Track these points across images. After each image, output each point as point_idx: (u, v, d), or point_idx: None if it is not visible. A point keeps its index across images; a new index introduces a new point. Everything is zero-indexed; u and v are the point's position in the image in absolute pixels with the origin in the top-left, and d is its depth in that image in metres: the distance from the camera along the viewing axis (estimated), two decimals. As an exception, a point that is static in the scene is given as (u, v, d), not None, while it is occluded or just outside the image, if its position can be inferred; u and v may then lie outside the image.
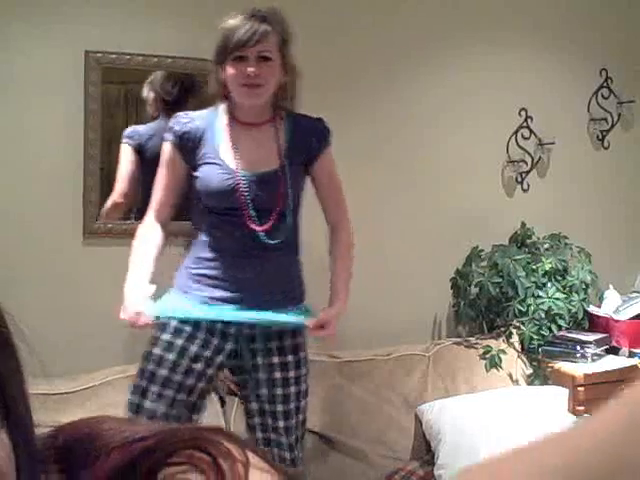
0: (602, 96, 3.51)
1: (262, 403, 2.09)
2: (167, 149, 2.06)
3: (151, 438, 0.47)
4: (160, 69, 2.71)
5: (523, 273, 3.09)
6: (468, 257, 3.18)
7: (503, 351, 3.00)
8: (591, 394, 2.97)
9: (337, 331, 2.97)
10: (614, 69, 3.51)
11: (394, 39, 3.12)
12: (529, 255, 3.19)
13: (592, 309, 3.32)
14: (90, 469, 0.46)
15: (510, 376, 2.99)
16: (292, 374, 2.08)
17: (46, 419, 2.32)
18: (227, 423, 2.55)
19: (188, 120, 2.04)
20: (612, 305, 3.34)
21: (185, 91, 2.72)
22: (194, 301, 2.03)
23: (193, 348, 2.01)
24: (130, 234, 2.71)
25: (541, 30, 3.39)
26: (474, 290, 3.13)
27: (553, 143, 3.41)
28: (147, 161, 2.71)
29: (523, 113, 3.34)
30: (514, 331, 3.09)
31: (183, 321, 2.02)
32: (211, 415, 2.50)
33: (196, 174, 2.02)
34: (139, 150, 2.70)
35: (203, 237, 2.07)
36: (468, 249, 3.19)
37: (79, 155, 2.65)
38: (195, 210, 2.11)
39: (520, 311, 3.08)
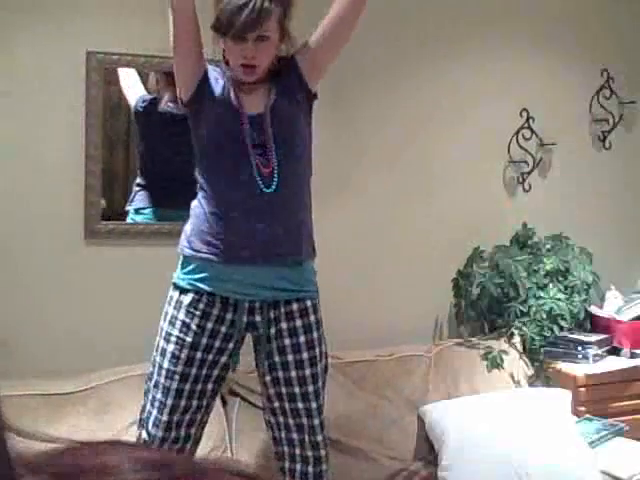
0: (604, 96, 3.51)
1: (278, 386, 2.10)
2: None
3: None
4: (163, 70, 2.70)
5: (524, 274, 3.09)
6: (469, 258, 3.18)
7: (504, 352, 3.00)
8: (593, 395, 2.97)
9: (338, 332, 2.97)
10: (616, 69, 3.51)
11: (396, 41, 3.11)
12: (530, 256, 3.19)
13: (594, 310, 3.32)
14: None
15: (512, 377, 2.99)
16: (302, 339, 2.08)
17: (47, 419, 2.33)
18: (229, 423, 2.56)
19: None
20: (614, 306, 3.34)
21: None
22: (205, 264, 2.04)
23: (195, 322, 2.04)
24: (131, 235, 2.73)
25: (543, 31, 3.39)
26: (475, 291, 3.13)
27: (554, 144, 3.41)
28: (149, 125, 2.82)
29: (524, 114, 3.34)
30: (516, 331, 3.08)
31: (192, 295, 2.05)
32: (213, 416, 2.50)
33: (201, 114, 2.05)
34: (142, 112, 2.76)
35: (207, 191, 2.06)
36: (469, 250, 3.19)
37: (80, 156, 2.64)
38: (199, 165, 2.11)
39: (521, 312, 3.08)
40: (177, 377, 2.02)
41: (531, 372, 3.06)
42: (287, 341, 2.07)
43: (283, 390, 2.09)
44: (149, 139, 2.86)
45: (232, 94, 2.05)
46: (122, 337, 2.66)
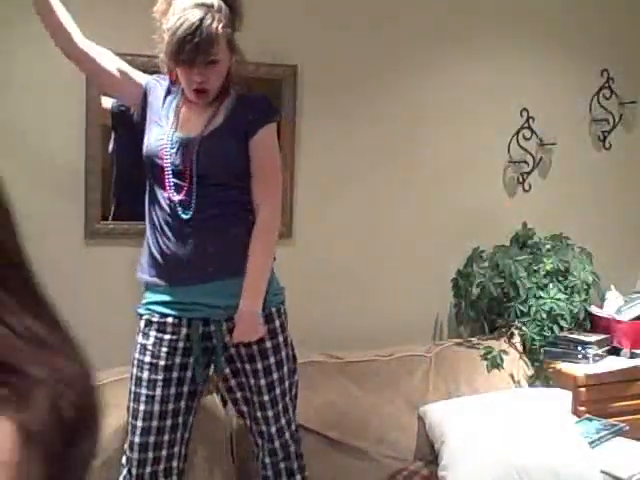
0: (604, 97, 3.51)
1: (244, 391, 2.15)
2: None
3: None
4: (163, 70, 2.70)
5: (524, 274, 3.09)
6: (469, 258, 3.18)
7: (504, 352, 3.00)
8: (592, 395, 2.98)
9: (338, 332, 2.98)
10: (616, 70, 3.51)
11: (396, 41, 3.11)
12: (530, 256, 3.19)
13: (594, 310, 3.32)
14: None
15: (511, 377, 2.99)
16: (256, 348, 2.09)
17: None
18: (229, 423, 2.55)
19: (162, 79, 2.15)
20: (614, 306, 3.34)
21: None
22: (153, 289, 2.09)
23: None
24: (131, 235, 2.73)
25: (543, 31, 3.39)
26: (475, 291, 3.13)
27: (554, 144, 3.41)
28: (124, 138, 2.70)
29: (525, 114, 3.34)
30: (516, 332, 3.08)
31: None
32: (213, 415, 2.50)
33: (145, 135, 2.09)
34: (120, 119, 2.66)
35: (147, 213, 2.12)
36: (469, 250, 3.19)
37: (80, 155, 2.65)
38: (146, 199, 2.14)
39: (521, 312, 3.08)
40: (143, 399, 2.04)
41: (531, 372, 3.06)
42: (243, 350, 2.08)
43: (248, 395, 2.14)
44: (120, 142, 2.77)
45: (172, 114, 2.07)
46: (122, 337, 2.65)
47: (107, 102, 2.69)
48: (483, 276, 3.10)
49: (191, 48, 1.90)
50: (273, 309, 2.11)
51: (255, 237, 2.04)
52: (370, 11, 3.08)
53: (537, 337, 3.07)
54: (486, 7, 3.29)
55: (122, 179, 2.73)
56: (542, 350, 3.09)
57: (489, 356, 2.97)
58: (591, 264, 3.26)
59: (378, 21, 3.09)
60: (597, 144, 3.58)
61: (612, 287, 3.40)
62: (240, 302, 2.01)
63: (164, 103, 2.10)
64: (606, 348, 3.19)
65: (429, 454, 2.70)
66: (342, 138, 3.06)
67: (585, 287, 3.19)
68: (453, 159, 3.26)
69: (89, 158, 2.65)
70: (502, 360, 2.97)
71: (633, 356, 3.18)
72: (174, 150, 2.02)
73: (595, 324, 3.30)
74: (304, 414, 2.62)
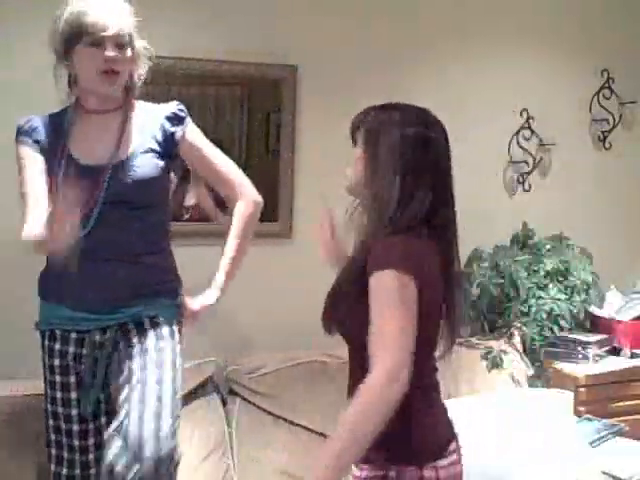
0: (604, 97, 3.51)
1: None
2: (24, 149, 1.94)
3: None
4: (161, 70, 2.70)
5: (525, 274, 3.09)
6: (469, 258, 3.17)
7: (504, 352, 3.00)
8: (593, 395, 2.98)
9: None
10: (616, 70, 3.51)
11: (396, 41, 3.11)
12: (530, 256, 3.19)
13: (594, 310, 3.32)
14: None
15: (512, 376, 2.99)
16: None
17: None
18: (229, 423, 2.55)
19: (32, 120, 1.95)
20: (614, 306, 3.34)
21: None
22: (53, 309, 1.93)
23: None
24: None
25: (543, 31, 3.39)
26: (475, 291, 3.13)
27: (554, 144, 3.41)
28: None
29: (525, 114, 3.34)
30: (516, 332, 3.09)
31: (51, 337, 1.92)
32: (214, 415, 2.50)
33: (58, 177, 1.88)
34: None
35: None
36: (469, 250, 3.19)
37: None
38: None
39: (522, 312, 3.08)
40: (75, 419, 1.90)
41: (531, 372, 3.06)
42: (147, 346, 1.84)
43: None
44: None
45: (64, 140, 1.88)
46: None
47: None
48: (483, 276, 3.10)
49: (101, 20, 1.77)
50: (161, 318, 1.89)
51: (238, 229, 1.99)
52: (371, 11, 3.08)
53: (537, 337, 3.07)
54: (486, 8, 3.29)
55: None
56: (542, 350, 3.09)
57: (489, 356, 2.97)
58: (591, 264, 3.26)
59: (379, 21, 3.09)
60: (597, 144, 3.58)
61: (612, 287, 3.40)
62: (210, 293, 1.95)
63: (61, 136, 1.90)
64: (606, 348, 3.19)
65: (429, 454, 2.70)
66: (342, 138, 3.05)
67: (585, 287, 3.19)
68: (453, 159, 3.25)
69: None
70: (502, 360, 2.97)
71: (633, 356, 3.18)
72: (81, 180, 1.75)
73: (595, 324, 3.30)
74: (305, 414, 2.63)
